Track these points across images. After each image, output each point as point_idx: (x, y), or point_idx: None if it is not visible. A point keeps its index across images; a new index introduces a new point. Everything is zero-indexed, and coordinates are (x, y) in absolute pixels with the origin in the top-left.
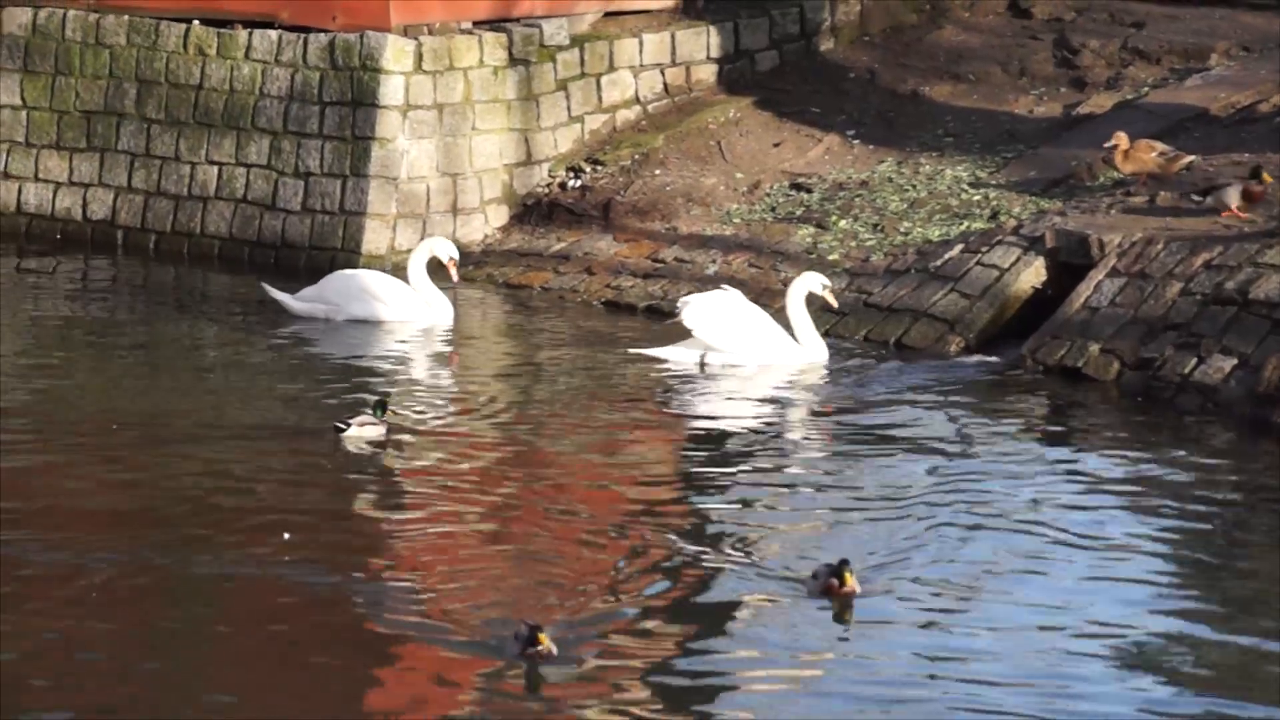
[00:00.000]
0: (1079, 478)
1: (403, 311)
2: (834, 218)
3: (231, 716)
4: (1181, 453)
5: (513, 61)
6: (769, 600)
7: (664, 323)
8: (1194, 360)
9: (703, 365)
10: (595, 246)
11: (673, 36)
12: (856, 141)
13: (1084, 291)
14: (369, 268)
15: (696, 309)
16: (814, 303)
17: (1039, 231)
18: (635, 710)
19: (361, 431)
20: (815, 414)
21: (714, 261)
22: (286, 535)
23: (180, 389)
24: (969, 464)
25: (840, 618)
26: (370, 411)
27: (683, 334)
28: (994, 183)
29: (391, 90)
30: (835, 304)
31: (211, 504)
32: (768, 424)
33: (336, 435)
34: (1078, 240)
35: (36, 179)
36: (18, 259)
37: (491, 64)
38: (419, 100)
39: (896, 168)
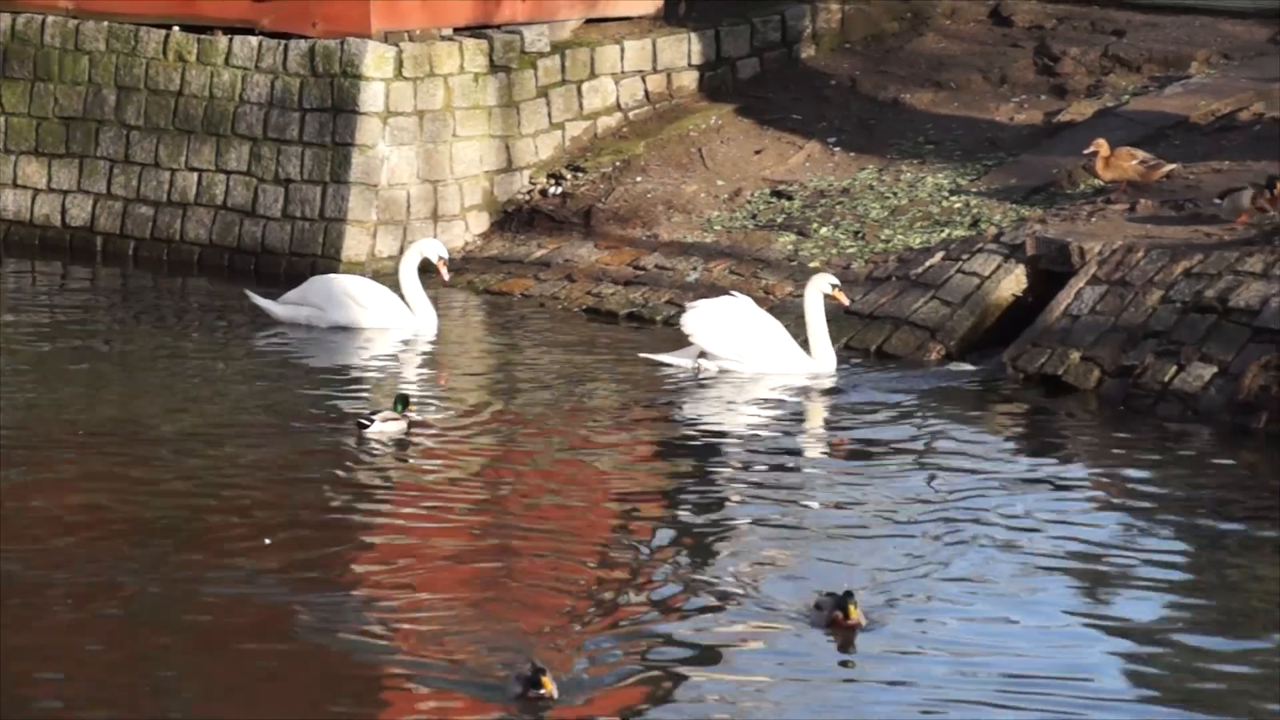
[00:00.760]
0: (1060, 488)
1: (385, 318)
2: (815, 225)
3: None
4: (1162, 461)
5: (493, 68)
6: (771, 628)
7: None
8: (1174, 368)
9: (697, 371)
10: (576, 253)
11: (654, 43)
12: (837, 148)
13: (1064, 299)
14: (350, 274)
15: (698, 315)
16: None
17: (1019, 239)
18: None
19: (384, 427)
20: (796, 426)
21: (695, 269)
22: (267, 540)
23: (160, 396)
24: (954, 479)
25: (845, 649)
26: (392, 408)
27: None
28: (975, 190)
29: (372, 96)
30: (848, 301)
31: (192, 512)
32: (747, 436)
33: (359, 431)
34: (1058, 248)
35: (15, 185)
36: None
37: (472, 70)
38: (399, 107)
39: (877, 175)
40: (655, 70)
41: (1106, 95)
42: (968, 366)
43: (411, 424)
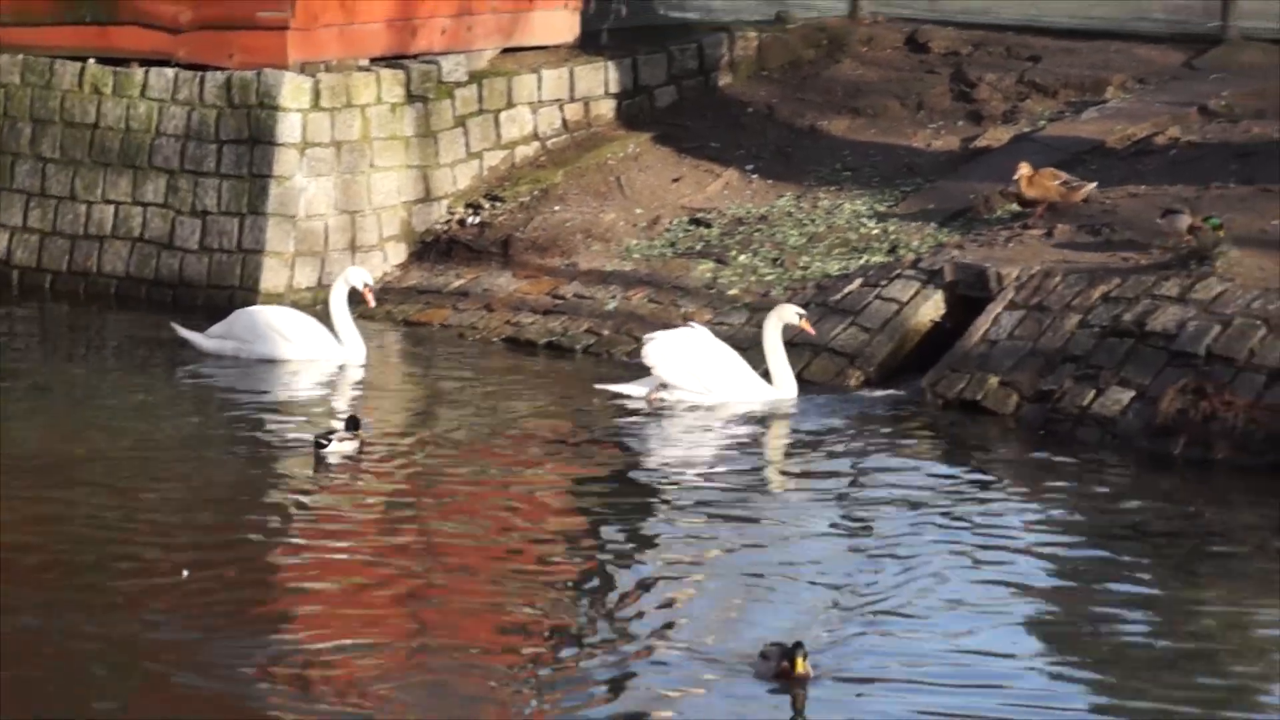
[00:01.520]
0: (985, 517)
1: (311, 350)
2: (733, 252)
3: None
4: (1080, 485)
5: (410, 98)
6: (714, 680)
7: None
8: (1092, 392)
9: (650, 402)
10: (495, 283)
11: (571, 72)
12: (755, 176)
13: (982, 324)
14: (269, 305)
15: (659, 347)
16: (788, 333)
17: (938, 265)
18: None
19: (340, 447)
20: (733, 457)
21: (614, 297)
22: (185, 572)
23: (78, 429)
24: (880, 510)
25: (794, 704)
26: (345, 428)
27: (646, 370)
28: (892, 216)
29: (289, 128)
30: (813, 331)
31: (108, 549)
32: (685, 468)
33: (317, 452)
34: (976, 273)
35: None
36: None
37: (389, 101)
38: (316, 138)
39: (795, 202)
40: (573, 99)
41: (1023, 121)
42: (891, 393)
43: (363, 443)
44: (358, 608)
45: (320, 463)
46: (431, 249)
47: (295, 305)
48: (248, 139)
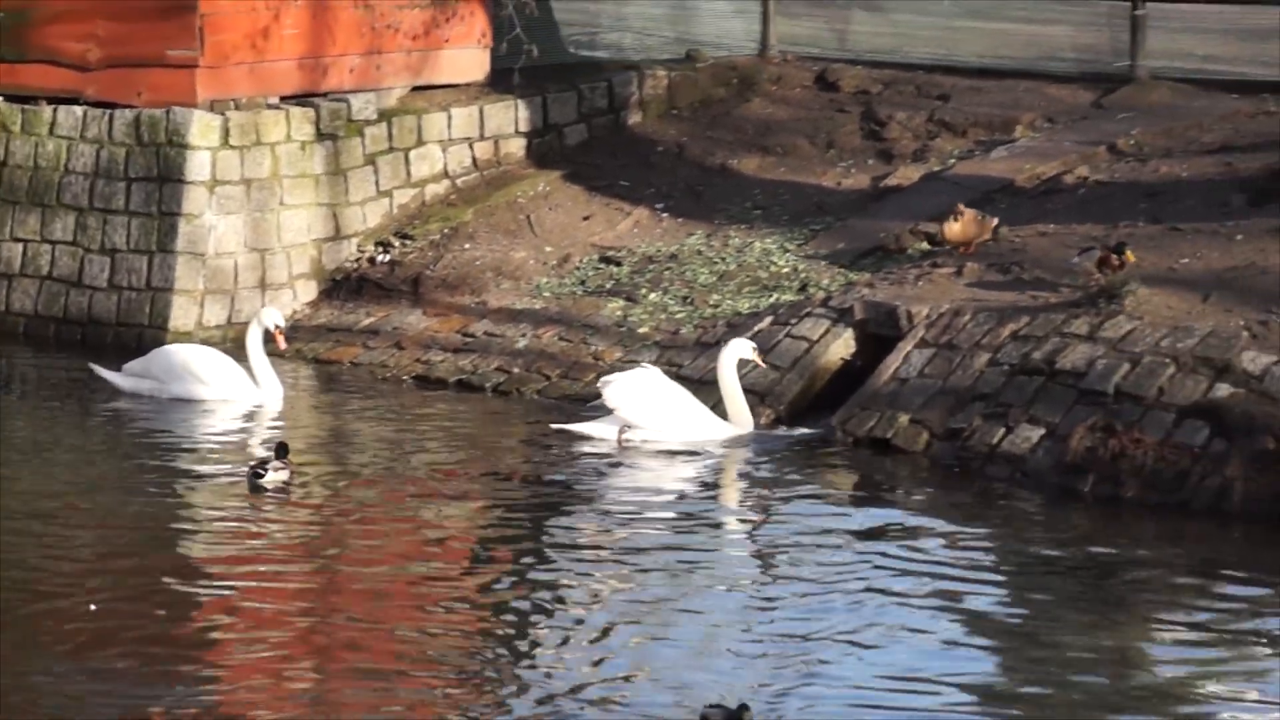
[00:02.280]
0: (900, 556)
1: (227, 391)
2: (644, 291)
3: None
4: (990, 523)
5: (320, 136)
6: None
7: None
8: (1002, 430)
9: (621, 443)
10: (405, 321)
11: (481, 110)
12: (665, 214)
13: (893, 363)
14: (182, 344)
15: (619, 389)
16: (742, 368)
17: (848, 303)
18: None
19: (276, 476)
20: (639, 499)
21: (524, 335)
22: (93, 607)
23: None
24: (793, 554)
25: None
26: (276, 456)
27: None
28: (803, 254)
29: (198, 166)
30: (764, 364)
31: (12, 590)
32: (589, 508)
33: (254, 483)
34: (886, 312)
35: None
36: None
37: (299, 139)
38: (226, 175)
39: (706, 240)
40: (483, 137)
41: (933, 159)
42: (802, 431)
43: (293, 471)
44: (273, 662)
45: (256, 491)
46: (342, 287)
47: (205, 343)
48: (157, 177)
